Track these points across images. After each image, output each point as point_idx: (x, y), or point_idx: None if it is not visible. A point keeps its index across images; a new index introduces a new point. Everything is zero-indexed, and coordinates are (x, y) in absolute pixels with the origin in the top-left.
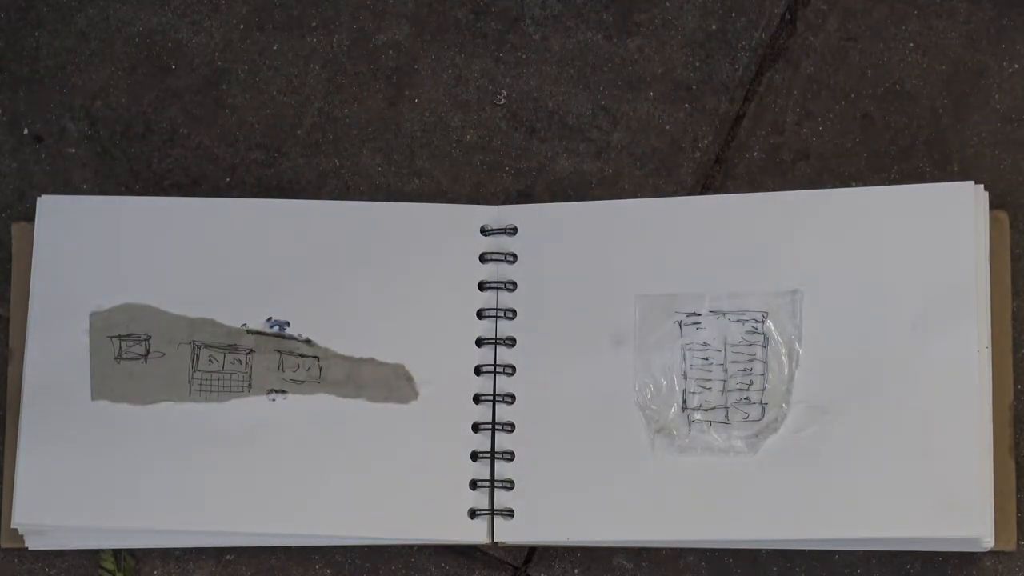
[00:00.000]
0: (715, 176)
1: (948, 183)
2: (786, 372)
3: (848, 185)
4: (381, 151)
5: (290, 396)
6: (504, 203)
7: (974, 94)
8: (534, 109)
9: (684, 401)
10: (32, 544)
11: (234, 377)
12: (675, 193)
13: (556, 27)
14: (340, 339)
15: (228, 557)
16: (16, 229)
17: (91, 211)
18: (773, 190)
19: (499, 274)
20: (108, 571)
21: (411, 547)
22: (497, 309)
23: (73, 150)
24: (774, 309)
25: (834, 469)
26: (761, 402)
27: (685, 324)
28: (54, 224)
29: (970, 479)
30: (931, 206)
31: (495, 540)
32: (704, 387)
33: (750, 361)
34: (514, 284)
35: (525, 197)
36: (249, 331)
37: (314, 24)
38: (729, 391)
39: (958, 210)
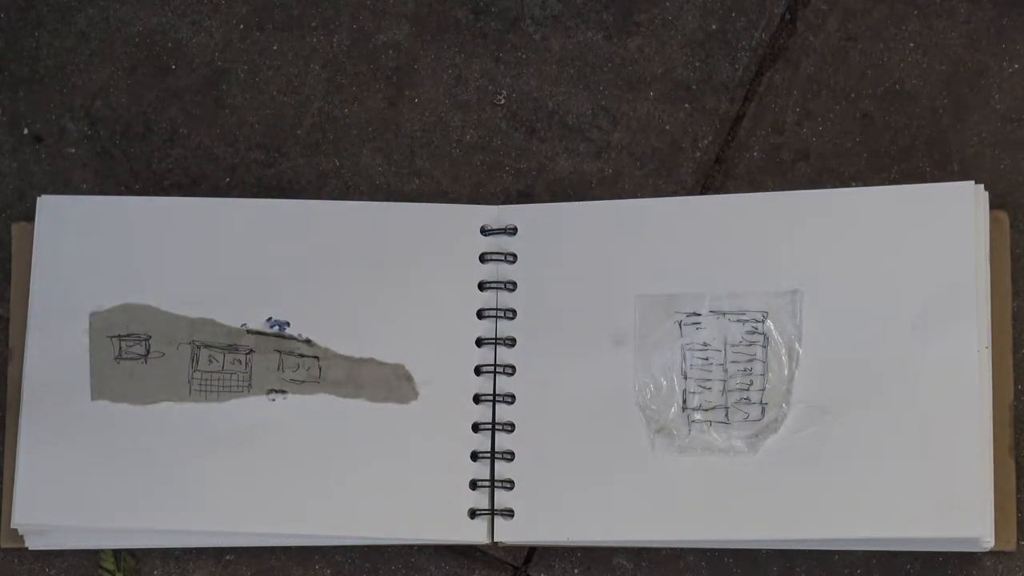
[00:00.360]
0: (715, 176)
1: (948, 183)
2: (786, 372)
3: (848, 185)
4: (381, 151)
5: (290, 396)
6: (504, 203)
7: (974, 94)
8: (534, 109)
9: (684, 401)
10: (32, 544)
11: (234, 377)
12: (675, 193)
13: (556, 27)
14: (340, 339)
15: (228, 557)
16: (16, 229)
17: (91, 211)
18: (773, 190)
19: (499, 274)
20: (108, 571)
21: (411, 547)
22: (497, 309)
23: (73, 150)
24: (774, 309)
25: (834, 469)
26: (761, 402)
27: (685, 324)
28: (54, 224)
29: (970, 479)
30: (931, 206)
31: (495, 540)
32: (704, 387)
33: (750, 361)
34: (514, 284)
35: (525, 197)
36: (249, 331)
37: (314, 24)
38: (729, 391)
39: (958, 210)
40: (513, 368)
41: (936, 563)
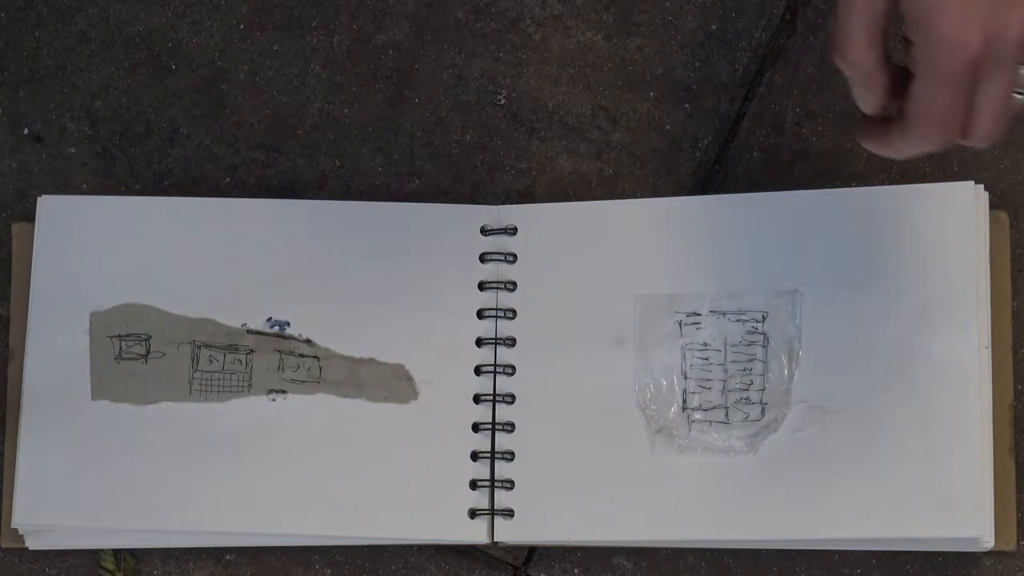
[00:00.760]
0: (715, 176)
1: (948, 183)
2: (786, 372)
3: (848, 185)
4: (381, 151)
5: (290, 396)
6: (504, 203)
7: None
8: (534, 109)
9: (684, 401)
10: (32, 544)
11: (234, 377)
12: (675, 193)
13: (556, 27)
14: (340, 339)
15: (228, 557)
16: (16, 229)
17: (91, 211)
18: (773, 190)
19: (499, 274)
20: (108, 571)
21: (411, 547)
22: (497, 309)
23: (73, 150)
24: (774, 309)
25: (834, 469)
26: (761, 402)
27: (685, 324)
28: (54, 224)
29: (970, 479)
30: (931, 206)
31: (495, 540)
32: (704, 387)
33: (750, 361)
34: (514, 284)
35: (525, 197)
36: (249, 331)
37: (314, 24)
38: (729, 391)
39: (958, 210)
40: (513, 368)
41: (936, 563)
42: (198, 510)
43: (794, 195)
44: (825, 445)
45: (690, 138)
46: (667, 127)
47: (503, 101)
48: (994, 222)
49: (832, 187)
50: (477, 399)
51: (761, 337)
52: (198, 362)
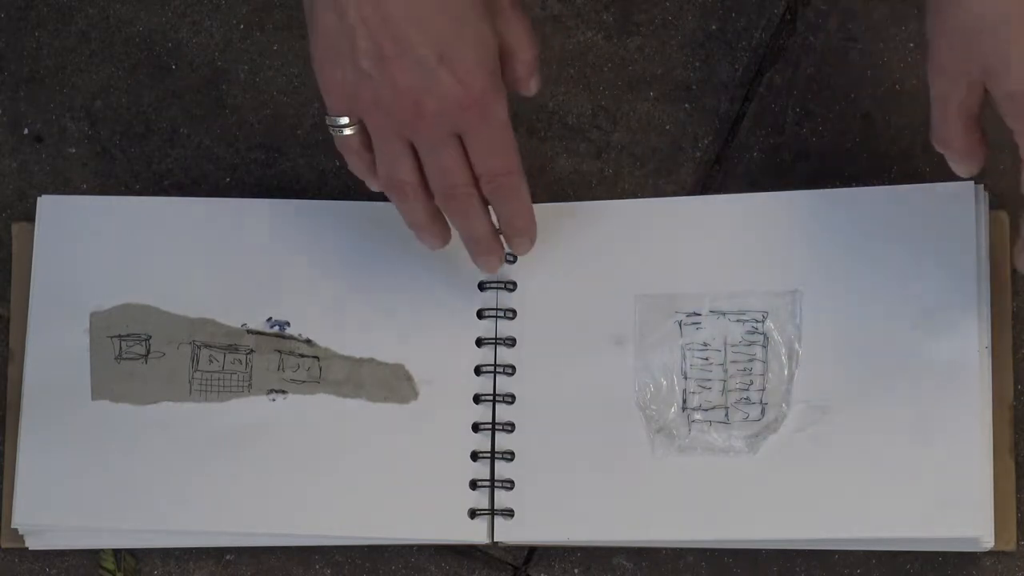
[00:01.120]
0: (715, 176)
1: (948, 183)
2: (786, 372)
3: (848, 185)
4: None
5: (290, 396)
6: None
7: None
8: (534, 109)
9: (684, 401)
10: (32, 544)
11: (234, 377)
12: (675, 193)
13: (556, 27)
14: (340, 339)
15: (228, 557)
16: (16, 229)
17: (91, 211)
18: (773, 190)
19: (499, 274)
20: (108, 571)
21: (411, 547)
22: (497, 309)
23: (73, 150)
24: (774, 309)
25: (834, 469)
26: (761, 402)
27: (685, 324)
28: (54, 224)
29: (970, 479)
30: (931, 206)
31: (495, 540)
32: (704, 387)
33: (750, 361)
34: (514, 284)
35: None
36: (249, 331)
37: None
38: (729, 391)
39: (958, 210)
40: (513, 368)
41: (936, 563)
42: (198, 510)
43: (794, 195)
44: (825, 445)
45: (690, 138)
46: (667, 127)
47: None
48: (994, 222)
49: (832, 187)
50: (477, 399)
51: (761, 337)
52: (198, 362)
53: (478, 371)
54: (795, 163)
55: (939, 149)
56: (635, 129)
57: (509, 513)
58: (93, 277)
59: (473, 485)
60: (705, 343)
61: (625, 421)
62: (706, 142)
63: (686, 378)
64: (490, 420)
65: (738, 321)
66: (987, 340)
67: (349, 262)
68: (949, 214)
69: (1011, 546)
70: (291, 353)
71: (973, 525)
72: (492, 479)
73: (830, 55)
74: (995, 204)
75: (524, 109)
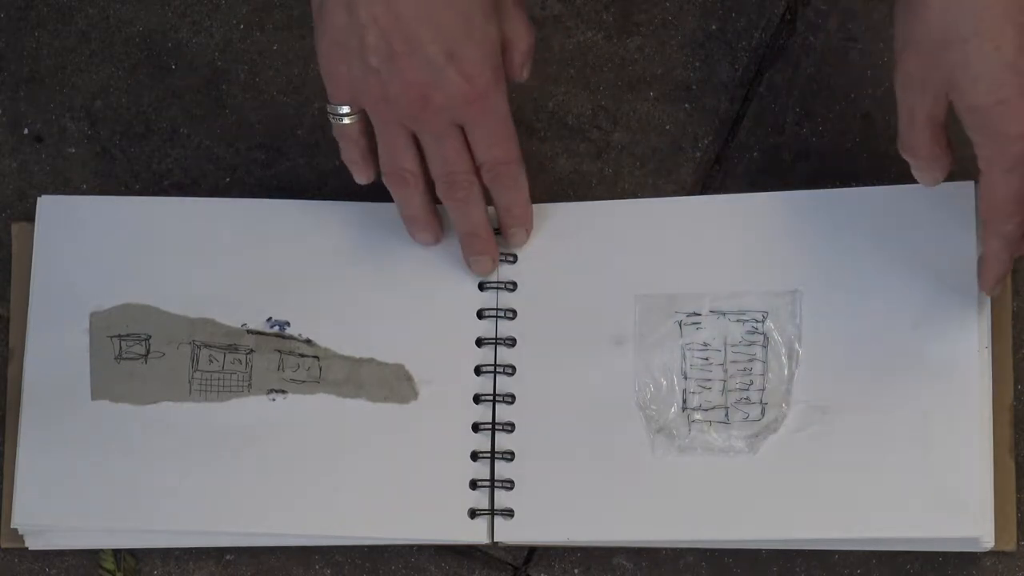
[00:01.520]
0: (715, 176)
1: (948, 183)
2: (786, 372)
3: (848, 185)
4: None
5: (290, 396)
6: None
7: None
8: (534, 109)
9: (684, 401)
10: (32, 544)
11: (234, 377)
12: (675, 193)
13: (556, 27)
14: (340, 339)
15: (228, 557)
16: (16, 229)
17: (91, 211)
18: (773, 190)
19: (499, 274)
20: (108, 571)
21: (411, 547)
22: (497, 309)
23: (73, 150)
24: (774, 309)
25: (834, 469)
26: (761, 402)
27: (685, 324)
28: (54, 224)
29: (970, 479)
30: (931, 206)
31: (495, 540)
32: (704, 387)
33: (750, 361)
34: (514, 284)
35: None
36: (249, 331)
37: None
38: (729, 391)
39: (958, 210)
40: (513, 368)
41: (936, 563)
42: (198, 510)
43: (794, 195)
44: (825, 445)
45: (690, 138)
46: (667, 127)
47: None
48: None
49: (832, 187)
50: (477, 399)
51: (761, 337)
52: (198, 362)
53: (478, 371)
54: (795, 163)
55: (906, 157)
56: (635, 129)
57: (509, 513)
58: (93, 277)
59: (473, 485)
60: (705, 343)
61: (625, 421)
62: (706, 142)
63: (686, 378)
64: (490, 420)
65: (738, 321)
66: (987, 340)
67: (349, 262)
68: (949, 214)
69: (1011, 546)
70: (291, 353)
71: (973, 525)
72: (492, 479)
73: (830, 55)
74: None
75: (524, 109)
